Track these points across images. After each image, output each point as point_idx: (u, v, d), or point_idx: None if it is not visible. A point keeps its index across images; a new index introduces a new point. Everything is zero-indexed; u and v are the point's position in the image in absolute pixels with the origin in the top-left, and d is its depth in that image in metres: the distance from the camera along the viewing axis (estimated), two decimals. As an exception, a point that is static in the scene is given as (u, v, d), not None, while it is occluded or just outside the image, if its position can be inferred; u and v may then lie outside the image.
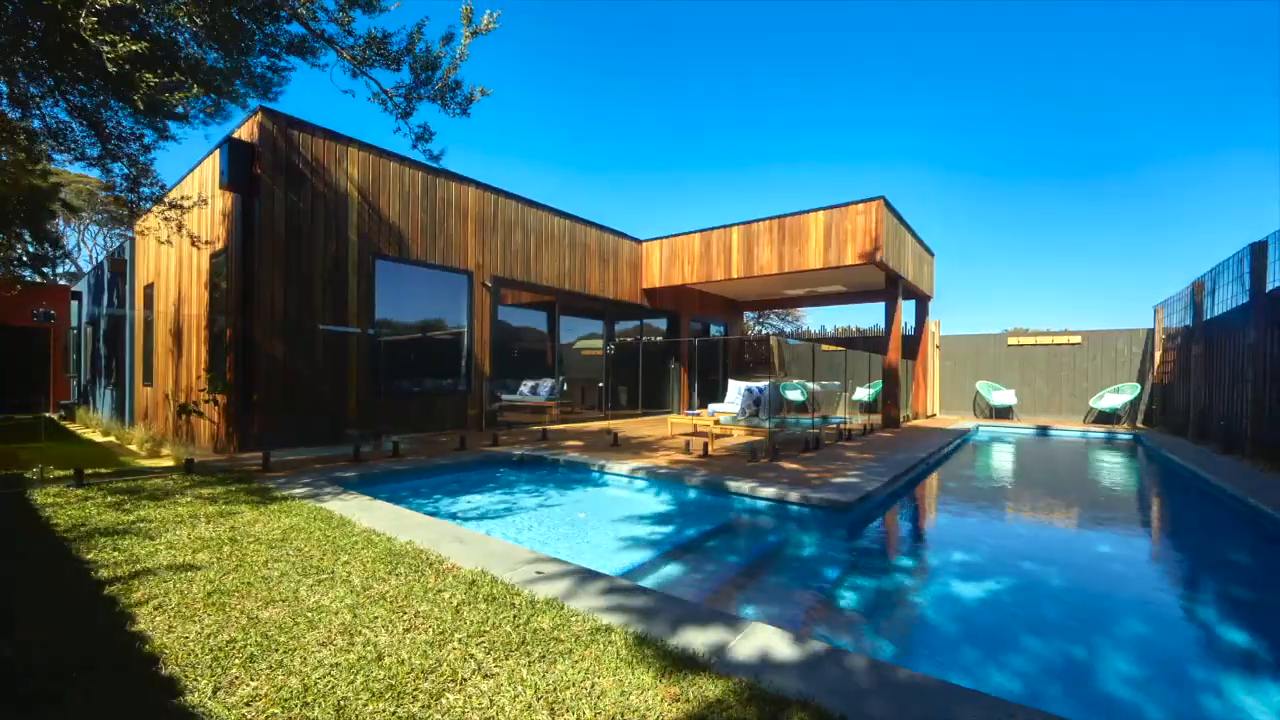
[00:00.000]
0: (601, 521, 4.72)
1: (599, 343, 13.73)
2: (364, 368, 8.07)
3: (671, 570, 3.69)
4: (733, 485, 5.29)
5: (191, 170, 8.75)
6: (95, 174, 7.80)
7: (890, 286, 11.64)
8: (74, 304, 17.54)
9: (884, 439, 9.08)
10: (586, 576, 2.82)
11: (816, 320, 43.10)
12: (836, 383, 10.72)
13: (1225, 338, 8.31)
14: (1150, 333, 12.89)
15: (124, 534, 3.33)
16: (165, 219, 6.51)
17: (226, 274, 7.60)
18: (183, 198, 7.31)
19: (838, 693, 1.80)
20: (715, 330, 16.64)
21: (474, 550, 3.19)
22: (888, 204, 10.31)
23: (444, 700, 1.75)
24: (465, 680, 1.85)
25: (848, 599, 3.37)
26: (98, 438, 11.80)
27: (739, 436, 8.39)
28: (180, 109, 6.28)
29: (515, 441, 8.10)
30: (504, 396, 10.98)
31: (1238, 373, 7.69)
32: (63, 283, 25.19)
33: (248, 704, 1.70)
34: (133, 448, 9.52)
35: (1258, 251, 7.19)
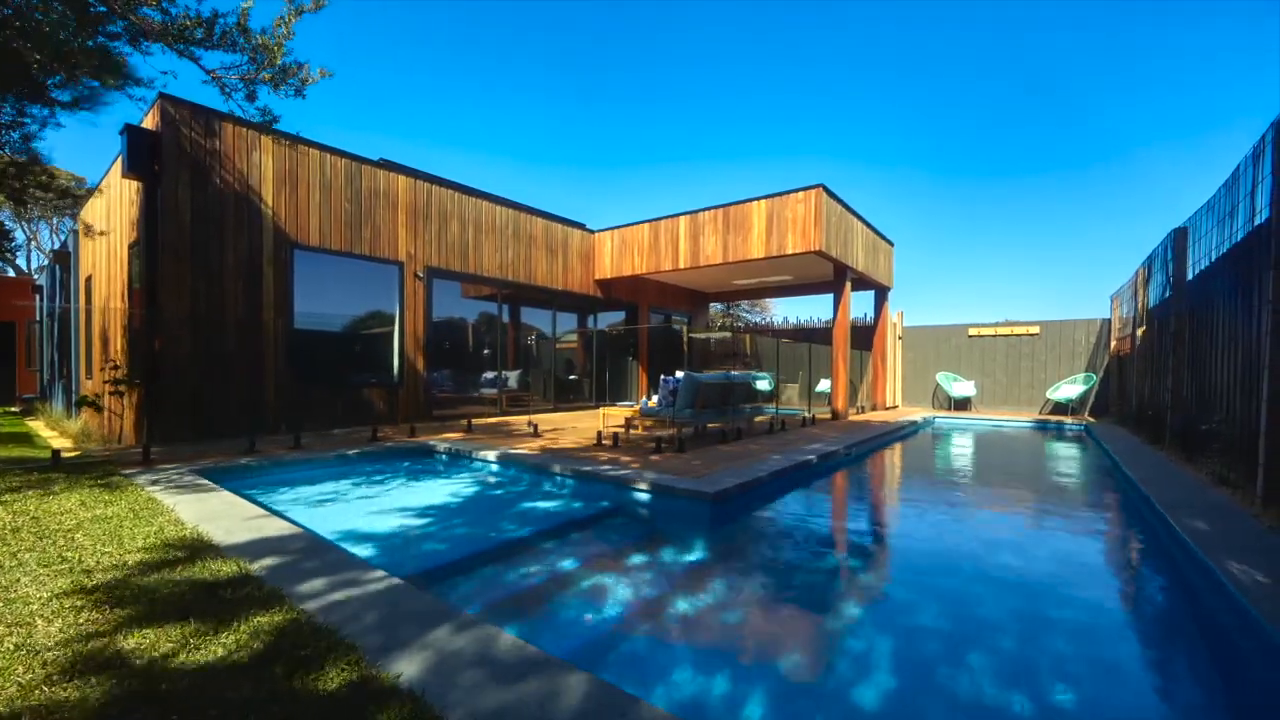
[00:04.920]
0: (421, 506, 4.65)
1: (573, 336, 13.66)
2: (283, 361, 7.99)
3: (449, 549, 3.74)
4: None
5: (115, 160, 8.66)
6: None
7: (838, 276, 11.49)
8: (37, 297, 17.51)
9: (812, 433, 8.98)
10: (345, 567, 2.74)
11: (784, 311, 43.01)
12: (768, 374, 10.60)
13: (1160, 326, 8.15)
14: (1106, 323, 12.73)
15: (-89, 524, 3.27)
16: (56, 207, 6.42)
17: (140, 265, 7.53)
18: (76, 181, 7.21)
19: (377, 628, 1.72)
20: (680, 320, 16.52)
21: (261, 540, 3.11)
22: (828, 191, 10.16)
23: (37, 693, 1.67)
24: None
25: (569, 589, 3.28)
26: (44, 431, 11.79)
27: (673, 429, 8.30)
28: (65, 95, 6.17)
29: (439, 434, 8.04)
30: (480, 390, 11.02)
31: (1165, 362, 7.54)
32: (37, 278, 25.22)
33: None
34: (62, 441, 9.49)
35: (1179, 237, 7.04)
